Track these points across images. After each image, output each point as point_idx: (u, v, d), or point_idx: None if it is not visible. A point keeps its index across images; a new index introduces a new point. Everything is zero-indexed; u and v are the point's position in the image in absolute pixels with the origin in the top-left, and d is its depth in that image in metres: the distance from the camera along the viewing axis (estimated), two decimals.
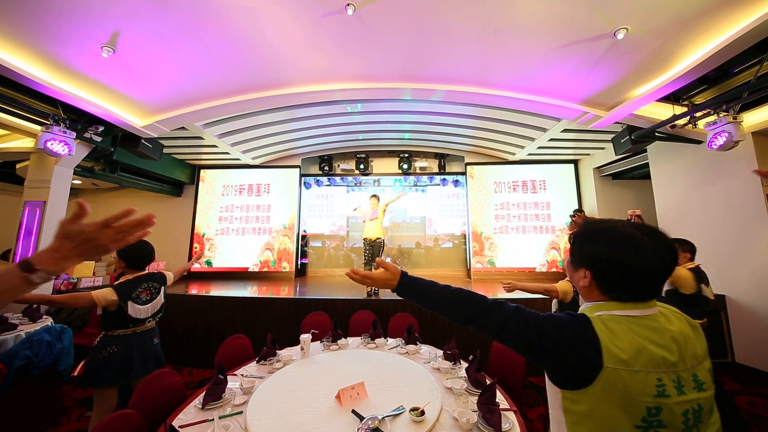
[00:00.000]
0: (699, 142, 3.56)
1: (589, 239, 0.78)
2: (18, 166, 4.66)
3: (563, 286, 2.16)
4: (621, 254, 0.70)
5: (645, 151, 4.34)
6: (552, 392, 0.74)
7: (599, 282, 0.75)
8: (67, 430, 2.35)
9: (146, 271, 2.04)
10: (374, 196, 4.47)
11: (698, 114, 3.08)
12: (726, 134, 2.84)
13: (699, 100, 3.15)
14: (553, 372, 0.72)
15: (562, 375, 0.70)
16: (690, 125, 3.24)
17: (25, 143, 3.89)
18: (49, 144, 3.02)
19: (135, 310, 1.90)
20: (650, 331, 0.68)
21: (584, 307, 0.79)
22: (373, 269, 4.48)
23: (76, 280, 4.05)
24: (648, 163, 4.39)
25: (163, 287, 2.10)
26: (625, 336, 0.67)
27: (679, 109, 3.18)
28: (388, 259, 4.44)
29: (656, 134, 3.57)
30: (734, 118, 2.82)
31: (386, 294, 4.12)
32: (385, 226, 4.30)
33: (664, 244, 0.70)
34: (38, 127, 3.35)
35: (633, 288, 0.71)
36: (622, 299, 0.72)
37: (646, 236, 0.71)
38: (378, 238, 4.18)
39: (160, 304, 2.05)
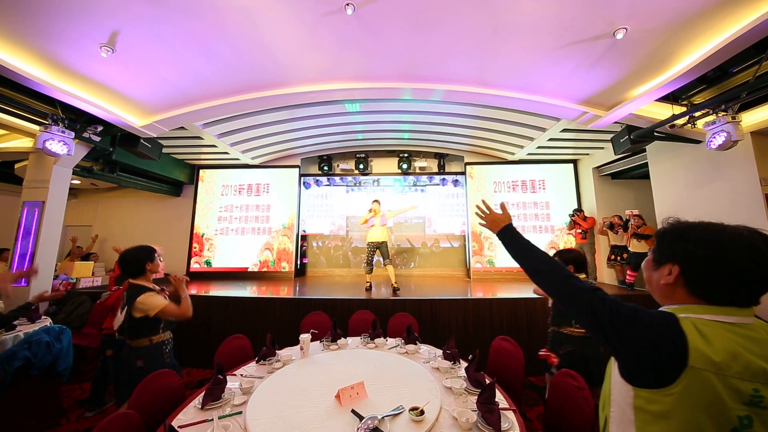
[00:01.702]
0: (698, 141, 3.57)
1: (684, 236, 0.70)
2: (16, 166, 4.65)
3: None
4: (727, 252, 0.63)
5: (644, 150, 4.35)
6: (621, 390, 0.67)
7: (690, 281, 0.68)
8: (66, 431, 2.34)
9: (136, 281, 1.89)
10: (377, 201, 4.59)
11: (697, 114, 3.08)
12: (725, 134, 2.84)
13: (698, 99, 3.15)
14: (625, 363, 0.66)
15: (635, 369, 0.64)
16: (689, 125, 3.24)
17: (23, 143, 3.88)
18: (47, 144, 3.01)
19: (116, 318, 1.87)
20: (748, 340, 0.60)
21: (666, 309, 0.71)
22: (373, 269, 4.51)
23: (75, 281, 4.05)
24: (647, 162, 4.39)
25: (127, 307, 1.80)
26: (719, 339, 0.60)
27: (678, 109, 3.18)
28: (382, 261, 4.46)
29: (655, 134, 3.58)
30: (733, 118, 2.82)
31: (385, 294, 4.12)
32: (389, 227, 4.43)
33: None
34: (37, 127, 3.35)
35: (732, 290, 0.64)
36: (717, 302, 0.65)
37: (757, 236, 0.64)
38: (384, 241, 4.39)
39: (119, 322, 1.82)
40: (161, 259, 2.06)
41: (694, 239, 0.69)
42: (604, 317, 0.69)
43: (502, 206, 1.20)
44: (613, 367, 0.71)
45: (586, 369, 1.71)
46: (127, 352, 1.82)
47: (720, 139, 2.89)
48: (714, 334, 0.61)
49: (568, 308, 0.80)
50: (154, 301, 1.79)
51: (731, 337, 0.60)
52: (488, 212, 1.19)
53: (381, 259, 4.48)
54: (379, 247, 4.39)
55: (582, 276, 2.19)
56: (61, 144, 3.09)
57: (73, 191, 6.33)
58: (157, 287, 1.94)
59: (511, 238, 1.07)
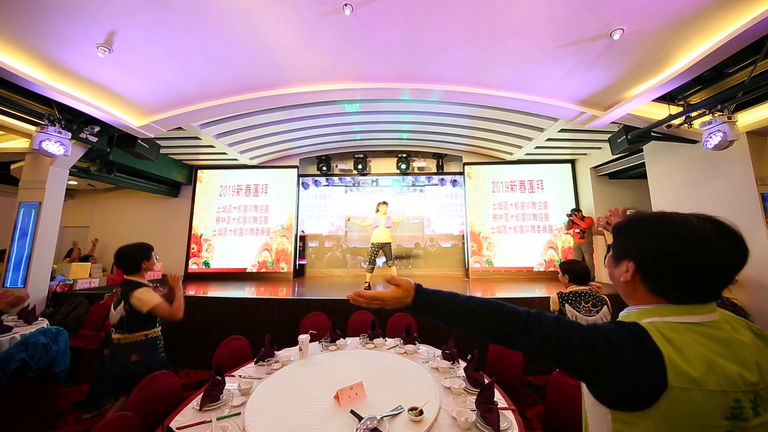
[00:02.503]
0: (694, 141, 3.59)
1: (637, 228, 0.67)
2: (13, 166, 4.62)
3: (551, 297, 2.24)
4: (676, 244, 0.60)
5: (641, 150, 4.37)
6: (596, 413, 0.62)
7: (646, 278, 0.64)
8: None
9: (130, 278, 1.93)
10: (385, 202, 4.58)
11: (693, 114, 3.10)
12: (721, 134, 2.86)
13: (694, 100, 3.17)
14: (603, 390, 0.60)
15: (614, 394, 0.58)
16: (685, 125, 3.26)
17: (19, 143, 3.86)
18: (44, 144, 3.00)
19: (111, 311, 1.91)
20: (717, 342, 0.57)
21: (628, 313, 0.68)
22: (374, 269, 4.53)
23: (71, 282, 4.02)
24: (644, 162, 4.42)
25: (123, 302, 1.85)
26: (690, 348, 0.56)
27: (675, 109, 3.20)
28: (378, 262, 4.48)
29: (652, 134, 3.60)
30: (729, 118, 2.84)
31: None
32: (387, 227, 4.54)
33: (731, 234, 0.60)
34: (33, 128, 3.33)
35: (692, 286, 0.60)
36: (675, 300, 0.62)
37: (707, 224, 0.61)
38: (388, 242, 4.41)
39: (115, 319, 1.86)
40: (157, 258, 2.07)
41: (645, 232, 0.65)
42: (578, 354, 0.60)
43: (389, 279, 0.83)
44: (585, 389, 0.65)
45: None
46: (120, 348, 1.85)
47: (716, 139, 2.91)
48: (684, 342, 0.57)
49: (542, 357, 0.65)
50: (150, 297, 1.85)
51: (702, 342, 0.57)
52: (380, 298, 0.82)
53: (384, 260, 4.54)
54: (383, 247, 4.43)
55: (583, 288, 2.18)
56: (57, 144, 3.08)
57: (70, 192, 6.29)
58: (152, 285, 1.97)
59: (430, 304, 0.77)
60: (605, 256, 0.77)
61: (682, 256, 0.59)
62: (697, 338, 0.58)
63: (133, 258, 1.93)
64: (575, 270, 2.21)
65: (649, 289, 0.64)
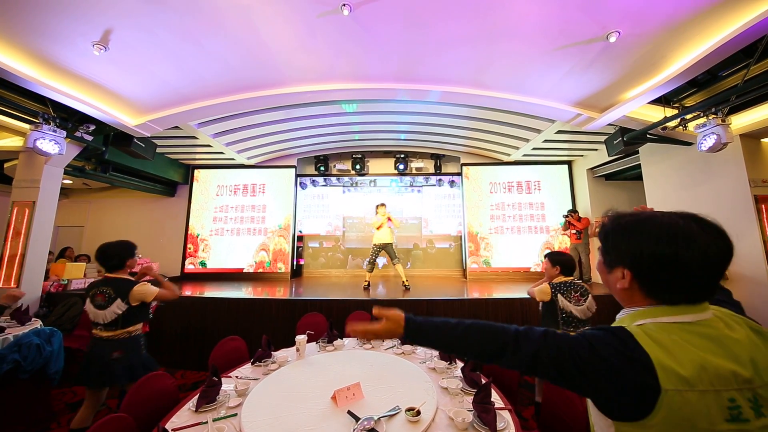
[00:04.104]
0: (689, 143, 3.63)
1: (626, 233, 0.66)
2: (6, 165, 4.57)
3: (540, 288, 2.27)
4: (667, 246, 0.59)
5: (637, 152, 4.41)
6: (601, 424, 0.61)
7: (643, 283, 0.63)
8: None
9: (114, 275, 1.93)
10: (383, 204, 4.73)
11: (688, 116, 3.14)
12: (715, 136, 2.90)
13: (689, 102, 3.21)
14: (602, 401, 0.59)
15: (611, 404, 0.57)
16: (680, 127, 3.30)
17: (13, 142, 3.81)
18: (38, 143, 2.96)
19: (90, 311, 1.89)
20: (709, 340, 0.56)
21: (621, 317, 0.68)
22: (374, 269, 4.59)
23: (66, 282, 3.98)
24: (640, 164, 4.46)
25: (119, 299, 1.85)
26: (680, 348, 0.55)
27: (670, 112, 3.24)
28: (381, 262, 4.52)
29: (648, 136, 3.64)
30: (723, 121, 2.88)
31: (382, 295, 4.12)
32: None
33: (716, 231, 0.60)
34: (27, 126, 3.29)
35: (684, 287, 0.60)
36: (671, 302, 0.61)
37: (693, 224, 0.60)
38: (390, 243, 4.54)
39: (111, 317, 1.84)
40: (140, 255, 2.08)
41: (636, 237, 0.63)
42: (567, 365, 0.60)
43: (377, 313, 0.89)
44: (590, 402, 0.65)
45: None
46: (101, 343, 1.86)
47: (710, 141, 2.94)
48: (673, 343, 0.56)
49: (535, 374, 0.66)
50: (150, 288, 1.93)
51: (692, 341, 0.56)
52: (372, 332, 0.86)
53: (388, 259, 4.67)
54: (385, 247, 4.52)
55: (569, 278, 2.26)
56: (52, 143, 3.04)
57: (65, 191, 6.22)
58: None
59: (421, 332, 0.79)
60: (598, 262, 0.77)
61: (674, 257, 0.59)
62: (688, 337, 0.57)
63: (117, 256, 1.95)
64: (565, 261, 2.29)
65: (645, 293, 0.64)
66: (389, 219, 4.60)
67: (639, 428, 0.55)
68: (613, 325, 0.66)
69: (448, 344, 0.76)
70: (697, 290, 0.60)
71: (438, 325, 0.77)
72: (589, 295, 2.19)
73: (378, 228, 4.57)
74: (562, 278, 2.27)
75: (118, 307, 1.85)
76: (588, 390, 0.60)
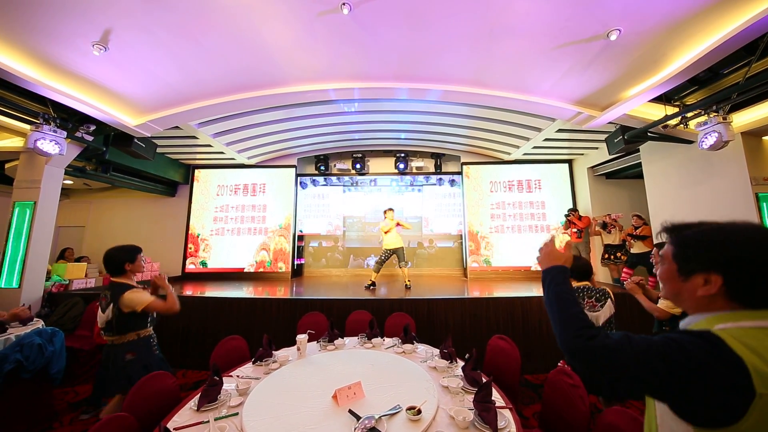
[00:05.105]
0: (690, 141, 3.62)
1: (717, 239, 0.65)
2: (7, 165, 4.57)
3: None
4: (763, 250, 0.60)
5: (638, 150, 4.40)
6: (674, 428, 0.60)
7: (734, 288, 0.62)
8: None
9: (116, 280, 1.94)
10: (391, 209, 4.84)
11: (689, 114, 3.13)
12: (716, 134, 2.89)
13: (690, 100, 3.20)
14: (684, 406, 0.57)
15: (698, 409, 0.56)
16: (681, 125, 3.29)
17: (14, 142, 3.82)
18: (39, 143, 2.96)
19: (98, 314, 1.91)
20: None
21: (698, 321, 0.66)
22: (380, 269, 4.65)
23: (67, 282, 3.99)
24: (641, 162, 4.45)
25: (112, 304, 1.85)
26: None
27: (671, 110, 3.23)
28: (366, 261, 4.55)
29: (649, 134, 3.62)
30: (724, 119, 2.87)
31: (383, 294, 4.12)
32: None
33: None
34: (28, 126, 3.29)
35: None
36: (757, 306, 0.61)
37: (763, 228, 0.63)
38: (401, 246, 4.69)
39: (107, 319, 1.85)
40: (145, 260, 2.09)
41: (730, 241, 0.64)
42: (659, 369, 0.58)
43: (568, 244, 1.00)
44: (657, 404, 0.64)
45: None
46: (114, 348, 1.87)
47: (711, 140, 2.93)
48: (765, 348, 0.55)
49: (607, 377, 0.64)
50: (140, 297, 1.88)
51: None
52: (551, 246, 0.98)
53: (397, 262, 4.75)
54: (396, 252, 4.66)
55: (584, 283, 2.15)
56: (52, 143, 3.05)
57: (66, 191, 6.23)
58: (140, 286, 1.99)
59: (559, 278, 0.86)
60: (655, 270, 0.75)
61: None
62: None
63: (116, 260, 1.94)
64: (576, 266, 2.13)
65: (731, 298, 0.63)
66: (398, 224, 4.70)
67: None
68: (690, 328, 0.65)
69: (556, 310, 0.79)
70: None
71: (568, 298, 0.80)
72: (608, 300, 2.03)
73: (386, 233, 4.68)
74: (574, 282, 2.14)
75: (110, 312, 1.85)
76: (673, 394, 0.58)
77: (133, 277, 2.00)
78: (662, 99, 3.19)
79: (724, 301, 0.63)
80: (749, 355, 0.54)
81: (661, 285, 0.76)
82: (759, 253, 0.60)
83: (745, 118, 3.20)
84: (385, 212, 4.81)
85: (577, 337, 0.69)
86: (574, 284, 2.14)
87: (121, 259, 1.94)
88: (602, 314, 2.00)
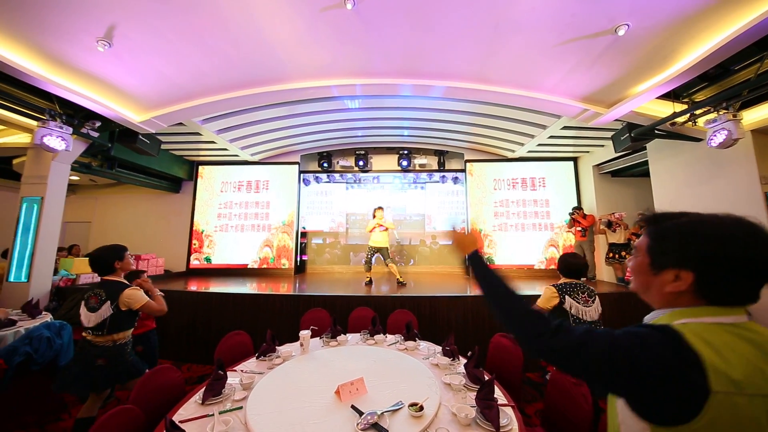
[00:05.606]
0: (698, 139, 3.56)
1: (689, 233, 0.62)
2: (14, 161, 4.63)
3: (543, 296, 2.12)
4: (740, 249, 0.57)
5: (644, 148, 4.34)
6: (632, 427, 0.59)
7: (704, 285, 0.60)
8: (67, 426, 2.36)
9: (108, 278, 1.95)
10: (380, 208, 4.83)
11: (698, 111, 3.07)
12: (725, 132, 2.83)
13: (699, 97, 3.14)
14: (639, 402, 0.57)
15: (653, 406, 0.55)
16: (690, 123, 3.23)
17: (21, 138, 3.86)
18: (45, 139, 2.99)
19: (83, 313, 1.89)
20: (752, 344, 0.55)
21: (660, 315, 0.65)
22: (371, 268, 4.70)
23: (75, 277, 4.05)
24: (647, 160, 4.38)
25: (109, 302, 1.85)
26: (729, 350, 0.54)
27: (679, 107, 3.17)
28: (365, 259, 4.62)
29: (656, 132, 3.57)
30: (734, 116, 2.81)
31: (385, 290, 4.13)
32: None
33: None
34: (34, 123, 3.32)
35: (747, 289, 0.58)
36: (723, 303, 0.59)
37: (756, 225, 0.60)
38: (385, 246, 4.67)
39: (102, 317, 1.84)
40: (132, 257, 2.10)
41: (703, 235, 0.60)
42: (616, 363, 0.57)
43: (474, 232, 1.07)
44: (616, 402, 0.63)
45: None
46: (89, 348, 1.87)
47: (720, 137, 2.88)
48: (723, 344, 0.54)
49: (570, 368, 0.64)
50: (140, 296, 1.93)
51: (739, 344, 0.55)
52: (459, 234, 1.04)
53: (383, 260, 4.74)
54: (380, 251, 4.69)
55: (573, 280, 2.15)
56: (59, 140, 3.08)
57: (72, 187, 6.31)
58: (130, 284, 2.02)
59: (481, 264, 0.90)
60: (630, 260, 0.73)
61: (746, 258, 0.57)
62: (733, 340, 0.55)
63: (105, 259, 1.95)
64: (570, 264, 2.17)
65: (698, 295, 0.61)
66: (379, 225, 4.67)
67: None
68: (652, 323, 0.63)
69: (493, 293, 0.82)
70: (756, 292, 0.59)
71: (496, 275, 0.84)
72: (596, 297, 2.10)
73: (370, 231, 4.71)
74: (567, 279, 2.15)
75: (106, 309, 1.85)
76: (629, 389, 0.57)
77: (122, 274, 2.02)
78: (671, 95, 3.13)
79: (692, 297, 0.62)
80: (707, 351, 0.53)
81: (631, 278, 0.73)
82: (735, 251, 0.57)
83: (755, 116, 3.14)
84: (374, 210, 4.80)
85: (538, 337, 0.67)
86: (569, 280, 2.13)
87: (111, 258, 1.96)
88: (593, 309, 2.05)
